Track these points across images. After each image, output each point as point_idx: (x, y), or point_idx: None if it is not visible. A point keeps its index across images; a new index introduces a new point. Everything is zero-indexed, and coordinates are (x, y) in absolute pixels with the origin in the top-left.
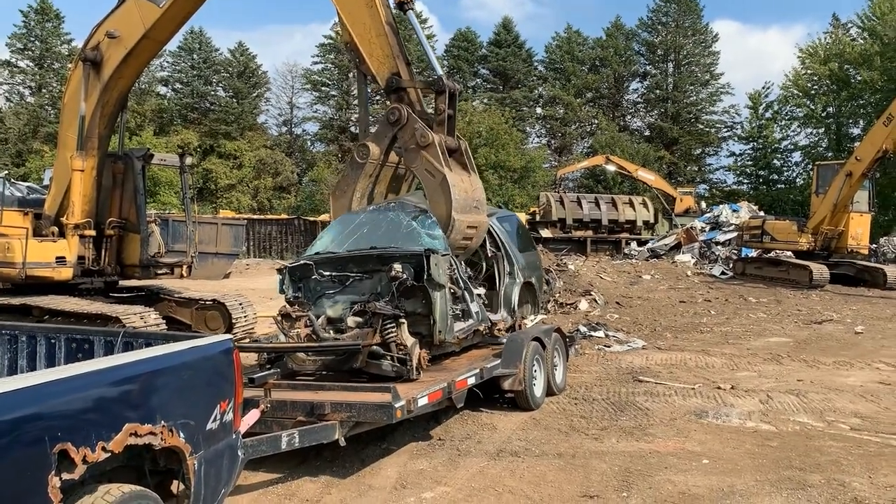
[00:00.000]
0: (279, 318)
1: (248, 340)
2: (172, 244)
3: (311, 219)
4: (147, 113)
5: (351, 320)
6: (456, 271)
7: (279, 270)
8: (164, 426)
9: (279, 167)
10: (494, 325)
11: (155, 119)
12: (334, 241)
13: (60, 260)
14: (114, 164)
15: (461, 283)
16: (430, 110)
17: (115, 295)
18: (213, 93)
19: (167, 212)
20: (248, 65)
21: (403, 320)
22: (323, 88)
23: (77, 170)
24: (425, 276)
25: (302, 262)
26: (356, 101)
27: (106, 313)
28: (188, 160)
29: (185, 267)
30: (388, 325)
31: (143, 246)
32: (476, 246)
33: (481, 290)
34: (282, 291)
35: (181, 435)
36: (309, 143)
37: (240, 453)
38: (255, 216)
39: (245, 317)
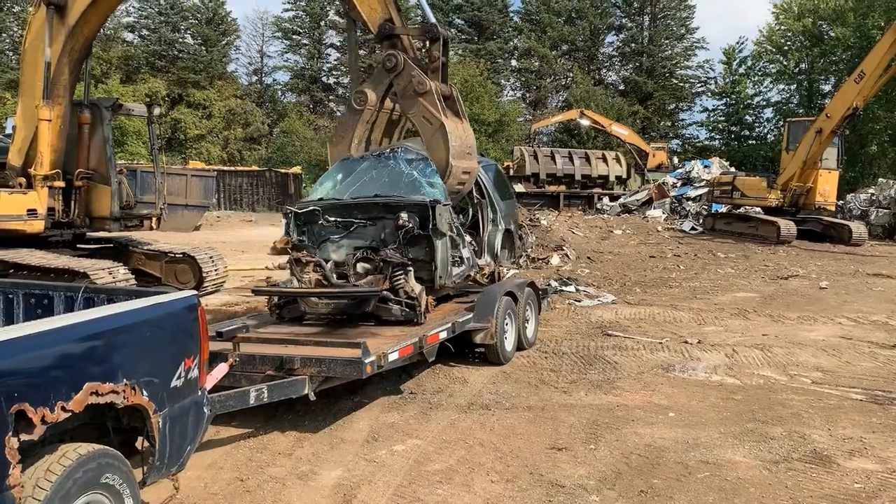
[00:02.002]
0: (292, 263)
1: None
2: (141, 195)
3: (283, 171)
4: (113, 60)
5: (360, 267)
6: (452, 219)
7: (285, 214)
8: (126, 384)
9: (249, 117)
10: (480, 270)
11: (121, 67)
12: (336, 187)
13: (32, 212)
14: (80, 113)
15: (455, 231)
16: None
17: (83, 248)
18: (181, 40)
19: (135, 162)
20: (217, 11)
21: (411, 268)
22: (294, 37)
23: (44, 119)
24: (430, 226)
25: (310, 207)
26: (328, 50)
27: (74, 268)
28: (156, 110)
29: (154, 219)
30: (398, 273)
31: (114, 198)
32: (467, 191)
33: (468, 237)
34: (287, 234)
35: (144, 393)
36: (280, 94)
37: (206, 410)
38: (225, 167)
39: (216, 270)
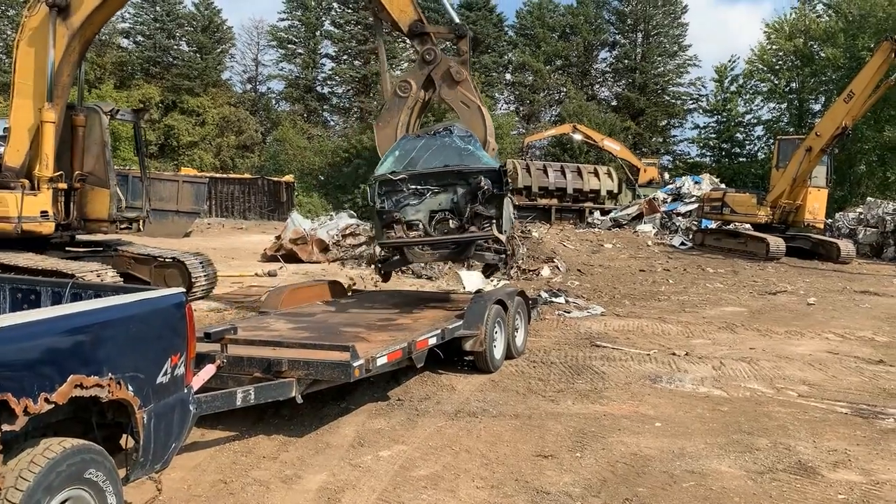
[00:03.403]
0: (383, 226)
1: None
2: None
3: (275, 179)
4: (107, 66)
5: (452, 223)
6: None
7: (370, 184)
8: (111, 378)
9: (243, 125)
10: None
11: (115, 72)
12: (400, 162)
13: (44, 214)
14: (74, 115)
15: None
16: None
17: (73, 250)
18: (176, 47)
19: (127, 168)
20: (213, 19)
21: (495, 220)
22: (289, 46)
23: (49, 121)
24: (503, 187)
25: (394, 177)
26: (323, 60)
27: (62, 270)
28: (146, 116)
29: (140, 222)
30: (486, 224)
31: (112, 200)
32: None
33: None
34: (373, 202)
35: (129, 388)
36: (274, 102)
37: (191, 408)
38: (217, 175)
39: (205, 276)
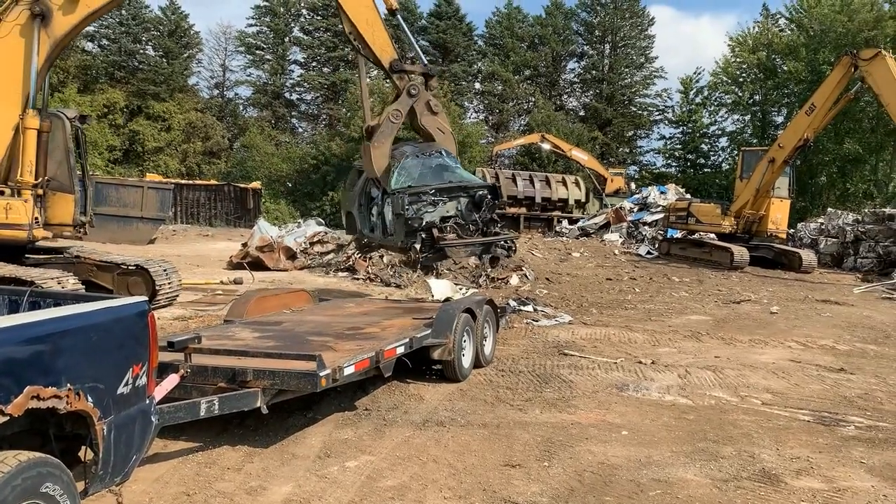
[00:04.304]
0: (423, 231)
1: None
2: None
3: (242, 185)
4: (71, 69)
5: (472, 226)
6: None
7: (398, 196)
8: (70, 389)
9: (209, 131)
10: None
11: (79, 76)
12: (410, 177)
13: (36, 221)
14: (41, 121)
15: None
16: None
17: (32, 257)
18: (141, 51)
19: (91, 173)
20: (180, 24)
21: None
22: (257, 52)
23: (31, 128)
24: (498, 199)
25: (427, 190)
26: (291, 67)
27: (21, 277)
28: (87, 121)
29: (84, 227)
30: (494, 228)
31: (77, 205)
32: None
33: None
34: (403, 210)
35: (89, 399)
36: (241, 108)
37: (154, 419)
38: (183, 181)
39: (169, 283)
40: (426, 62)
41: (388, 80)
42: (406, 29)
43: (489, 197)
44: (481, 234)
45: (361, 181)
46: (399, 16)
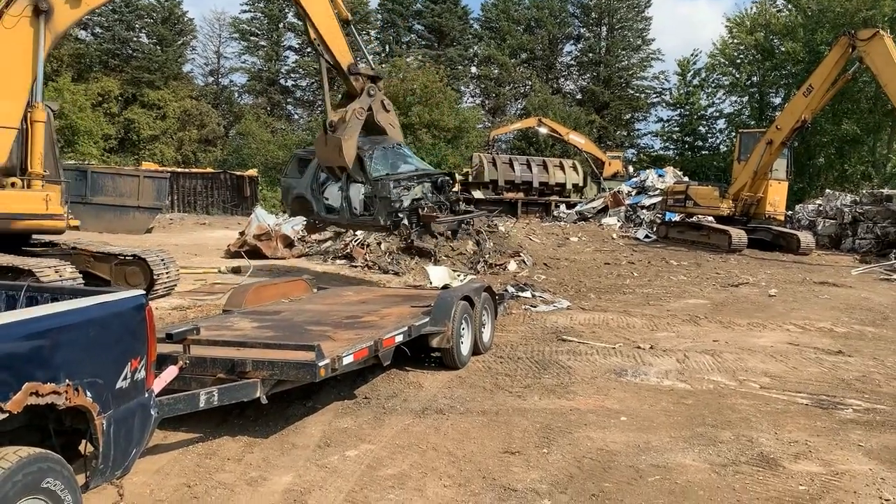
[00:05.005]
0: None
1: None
2: (92, 196)
3: (238, 173)
4: (65, 58)
5: (427, 205)
6: None
7: (381, 181)
8: (69, 385)
9: (205, 119)
10: None
11: (73, 65)
12: (385, 166)
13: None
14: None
15: None
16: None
17: (29, 249)
18: (135, 39)
19: (87, 162)
20: (174, 11)
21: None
22: (252, 38)
23: (40, 121)
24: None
25: (401, 177)
26: (286, 53)
27: (18, 266)
28: (55, 106)
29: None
30: (457, 204)
31: (63, 195)
32: None
33: None
34: (390, 193)
35: (88, 394)
36: (236, 95)
37: (153, 412)
38: (179, 169)
39: (167, 273)
40: (374, 67)
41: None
42: (357, 37)
43: (449, 181)
44: (451, 213)
45: (313, 168)
46: (351, 26)
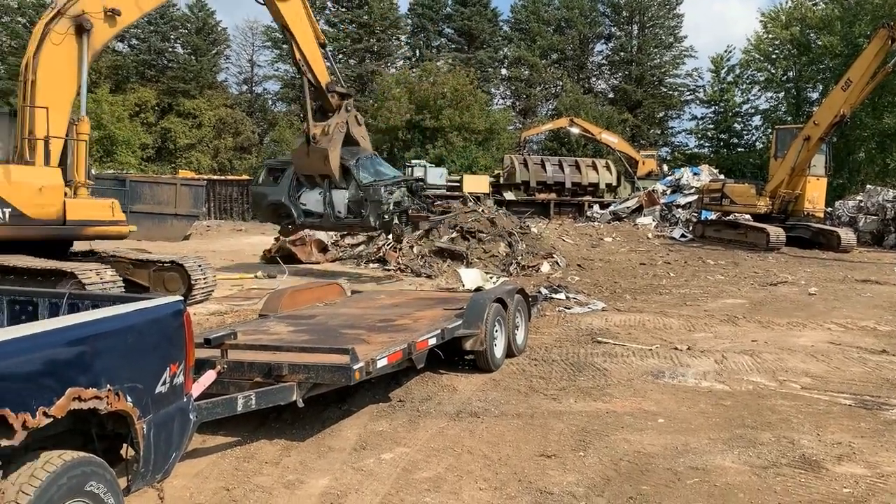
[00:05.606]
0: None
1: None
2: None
3: None
4: (103, 70)
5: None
6: None
7: (387, 187)
8: (110, 390)
9: (240, 127)
10: None
11: (111, 76)
12: (369, 174)
13: None
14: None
15: None
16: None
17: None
18: (170, 49)
19: (125, 172)
20: (207, 21)
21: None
22: (284, 46)
23: (85, 133)
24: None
25: (389, 182)
26: None
27: (61, 269)
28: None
29: None
30: (431, 205)
31: None
32: None
33: None
34: (390, 199)
35: (128, 399)
36: (270, 103)
37: (192, 416)
38: (215, 177)
39: (205, 279)
40: (345, 86)
41: (324, 97)
42: (331, 59)
43: (422, 185)
44: (428, 212)
45: (289, 176)
46: (326, 49)
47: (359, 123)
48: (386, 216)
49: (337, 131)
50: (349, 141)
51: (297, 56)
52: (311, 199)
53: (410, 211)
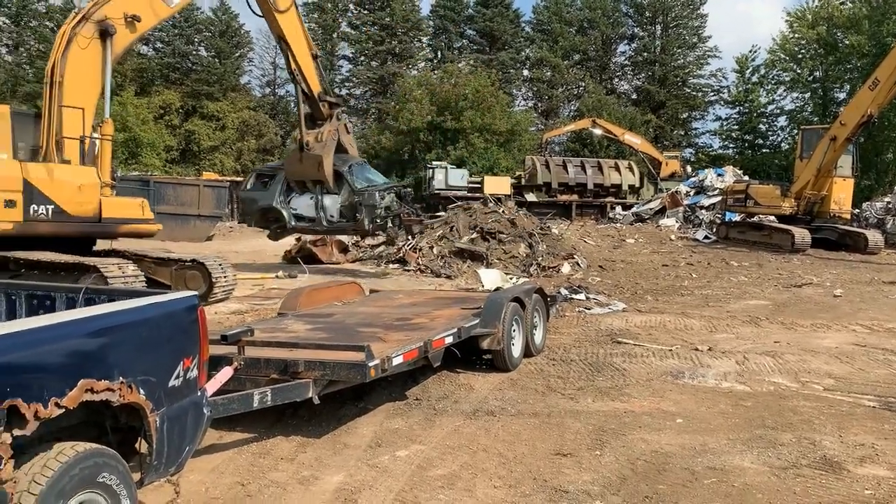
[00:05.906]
0: (402, 216)
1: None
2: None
3: None
4: (127, 73)
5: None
6: None
7: (386, 191)
8: (122, 382)
9: (263, 129)
10: None
11: (136, 79)
12: (362, 180)
13: None
14: None
15: None
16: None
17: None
18: (194, 52)
19: (149, 173)
20: (231, 24)
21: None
22: None
23: (110, 134)
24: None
25: (383, 188)
26: (340, 62)
27: (84, 263)
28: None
29: None
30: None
31: None
32: None
33: None
34: (387, 202)
35: (141, 391)
36: (293, 105)
37: (206, 411)
38: (238, 178)
39: (225, 277)
40: (334, 95)
41: (311, 104)
42: (322, 70)
43: (410, 191)
44: (416, 216)
45: (280, 182)
46: (317, 60)
47: (347, 131)
48: (379, 219)
49: (330, 138)
50: (338, 148)
51: (293, 66)
52: (302, 204)
53: (403, 215)
